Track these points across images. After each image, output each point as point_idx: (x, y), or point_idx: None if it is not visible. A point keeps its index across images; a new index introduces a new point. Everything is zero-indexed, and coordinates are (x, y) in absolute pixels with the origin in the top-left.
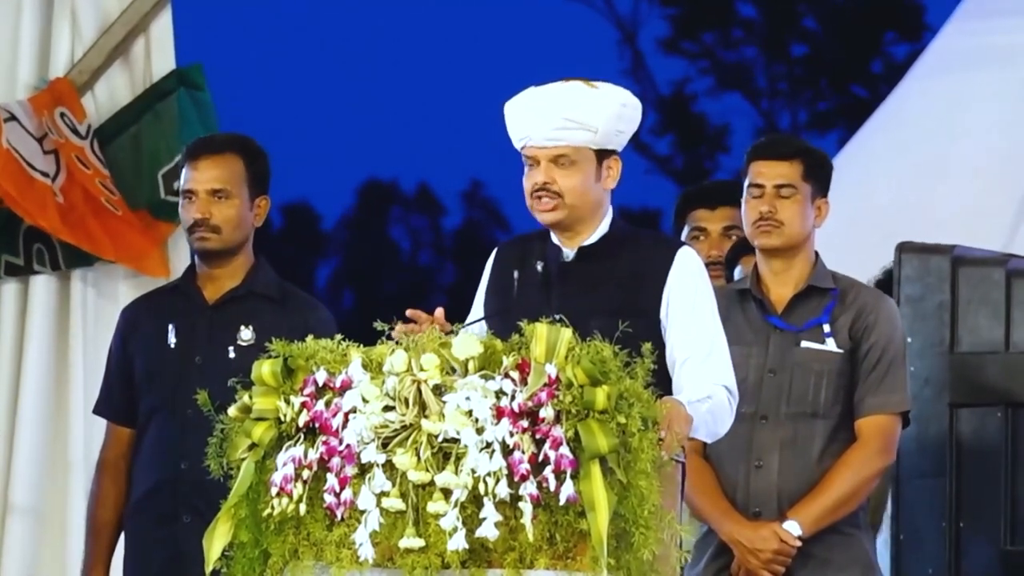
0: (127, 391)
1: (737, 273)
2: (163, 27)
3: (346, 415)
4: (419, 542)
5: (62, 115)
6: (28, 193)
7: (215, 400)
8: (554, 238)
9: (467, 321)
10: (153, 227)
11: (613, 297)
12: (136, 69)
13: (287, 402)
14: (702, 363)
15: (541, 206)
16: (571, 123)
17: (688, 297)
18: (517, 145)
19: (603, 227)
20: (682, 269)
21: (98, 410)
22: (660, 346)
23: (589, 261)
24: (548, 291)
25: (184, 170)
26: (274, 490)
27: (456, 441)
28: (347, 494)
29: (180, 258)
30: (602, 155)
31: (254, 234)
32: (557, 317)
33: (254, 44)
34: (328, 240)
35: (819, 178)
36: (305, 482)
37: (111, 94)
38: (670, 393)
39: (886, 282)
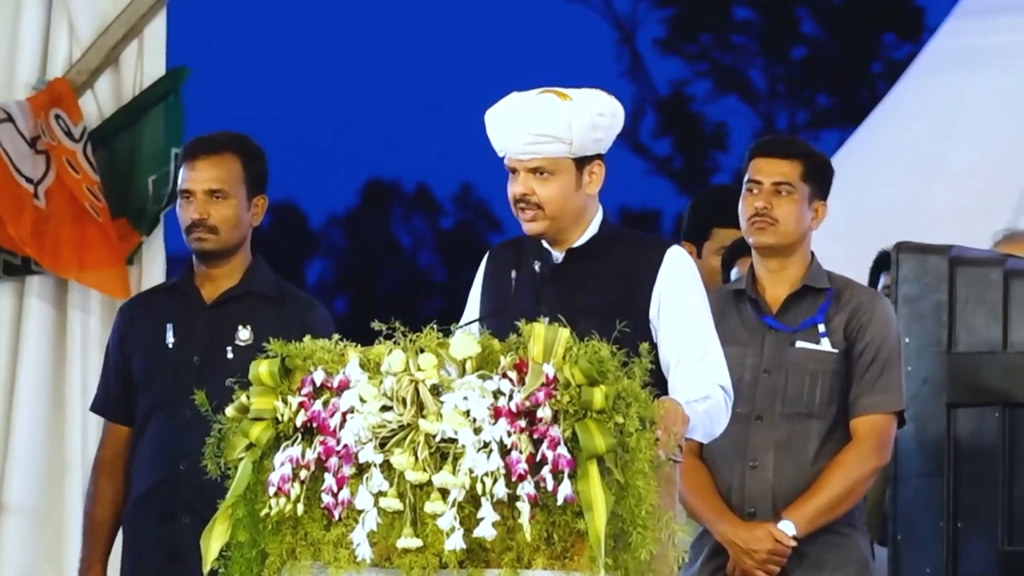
0: (125, 390)
1: (734, 274)
2: (156, 29)
3: (344, 415)
4: (417, 542)
5: (57, 117)
6: (6, 198)
7: (213, 400)
8: (543, 241)
9: (461, 323)
10: (127, 238)
11: (602, 297)
12: (127, 71)
13: (285, 402)
14: (698, 363)
15: (523, 217)
16: (544, 137)
17: (680, 297)
18: (498, 154)
19: (592, 229)
20: (672, 269)
21: (96, 408)
22: (651, 346)
23: (578, 262)
24: (538, 293)
25: (181, 170)
26: (272, 490)
27: (454, 441)
28: (345, 494)
29: (153, 271)
30: (582, 162)
31: (251, 233)
32: (547, 321)
33: (252, 45)
34: (325, 240)
35: (818, 180)
36: (303, 482)
37: (104, 96)
38: (663, 393)
39: (880, 263)
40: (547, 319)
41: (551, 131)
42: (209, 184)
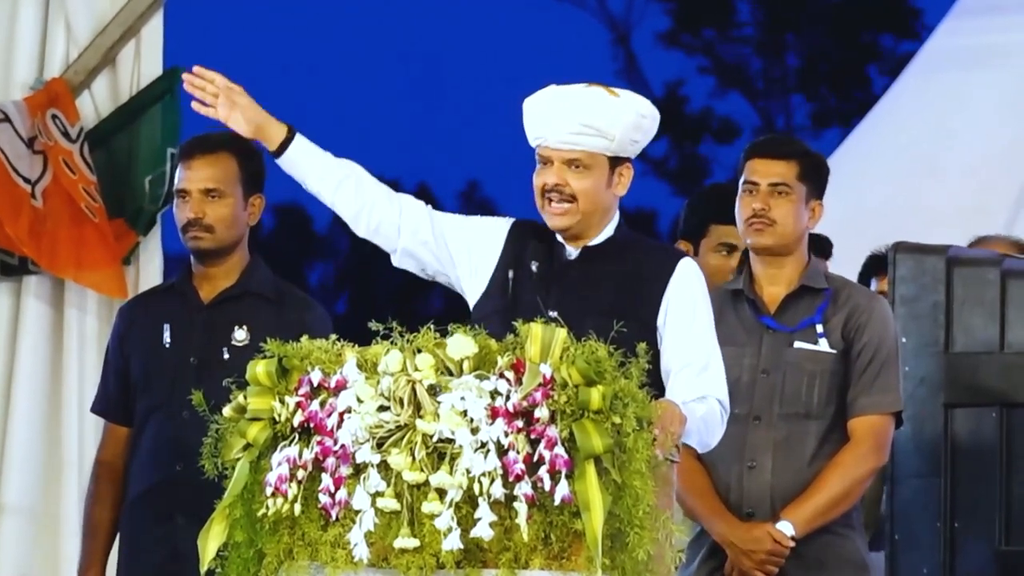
0: (124, 390)
1: None
2: (153, 29)
3: (341, 415)
4: (414, 542)
5: (54, 117)
6: (3, 198)
7: (211, 400)
8: (559, 236)
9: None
10: (124, 238)
11: (610, 298)
12: (124, 71)
13: (282, 402)
14: (698, 375)
15: (552, 208)
16: (588, 129)
17: (688, 308)
18: (532, 143)
19: (608, 231)
20: (683, 279)
21: (95, 409)
22: (654, 351)
23: (591, 261)
24: (547, 288)
25: (178, 169)
26: (269, 490)
27: (451, 441)
28: (342, 494)
29: (150, 271)
30: (615, 162)
31: (249, 233)
32: (552, 315)
33: (251, 45)
34: (330, 242)
35: (815, 180)
36: (300, 482)
37: (101, 96)
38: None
39: (870, 266)
40: (552, 315)
41: (597, 124)
42: (205, 183)
